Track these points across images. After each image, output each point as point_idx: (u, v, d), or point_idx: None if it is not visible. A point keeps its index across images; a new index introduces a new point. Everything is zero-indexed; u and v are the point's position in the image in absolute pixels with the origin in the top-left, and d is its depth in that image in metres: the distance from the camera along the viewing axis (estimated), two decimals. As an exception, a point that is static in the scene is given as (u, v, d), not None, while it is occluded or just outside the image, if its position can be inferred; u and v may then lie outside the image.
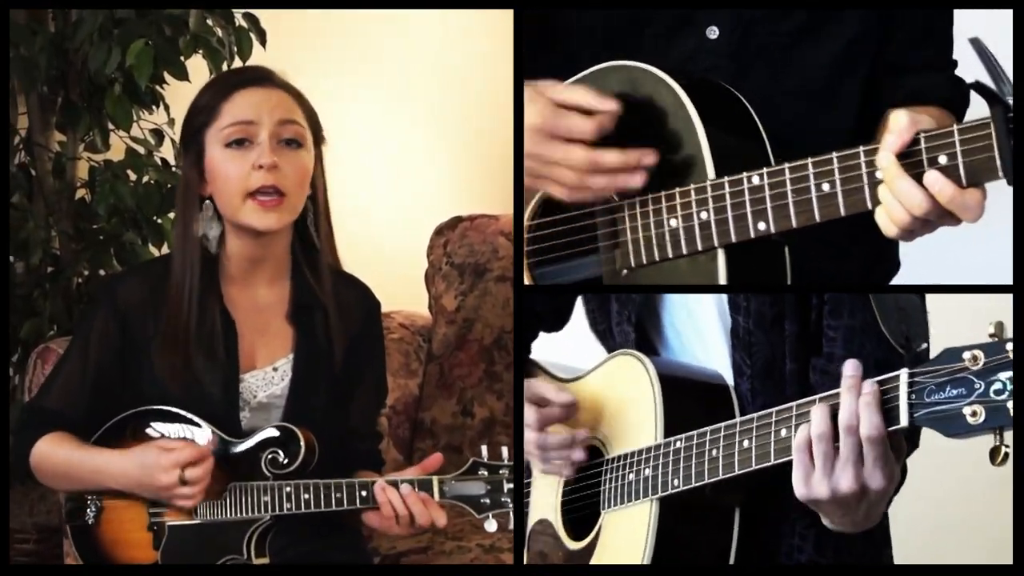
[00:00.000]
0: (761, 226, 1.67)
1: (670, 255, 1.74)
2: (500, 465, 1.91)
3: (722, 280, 1.71)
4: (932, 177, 1.53)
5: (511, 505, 1.90)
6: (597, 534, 1.84)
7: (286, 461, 2.00)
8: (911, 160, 1.55)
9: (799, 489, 1.51)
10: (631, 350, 1.83)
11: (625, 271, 1.78)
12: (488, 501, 1.91)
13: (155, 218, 3.03)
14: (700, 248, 1.71)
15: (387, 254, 3.42)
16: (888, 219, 1.58)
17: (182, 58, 2.90)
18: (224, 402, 2.05)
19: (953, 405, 1.38)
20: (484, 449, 1.92)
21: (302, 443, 2.00)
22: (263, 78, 2.06)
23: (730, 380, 1.77)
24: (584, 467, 1.86)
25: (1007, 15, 1.99)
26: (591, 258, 1.82)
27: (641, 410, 1.77)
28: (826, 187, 1.62)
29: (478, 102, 3.57)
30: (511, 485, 1.91)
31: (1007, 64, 1.51)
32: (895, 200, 1.56)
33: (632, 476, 1.74)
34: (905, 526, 1.70)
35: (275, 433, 2.02)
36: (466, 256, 3.12)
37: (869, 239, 1.62)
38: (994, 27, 1.92)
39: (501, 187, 3.15)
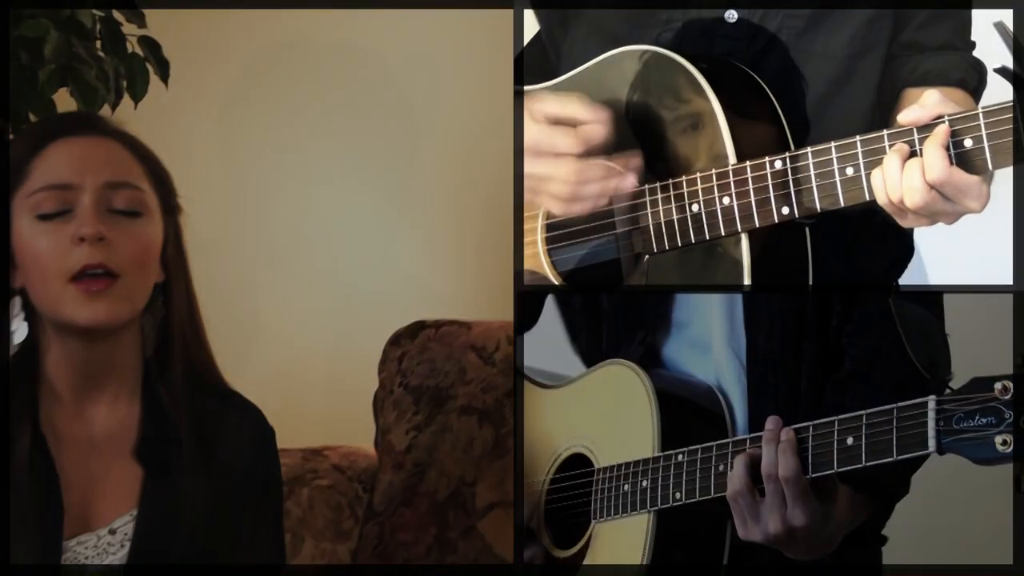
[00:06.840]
0: (785, 210, 1.76)
1: (693, 240, 1.82)
2: None
3: (746, 265, 1.80)
4: (929, 152, 1.63)
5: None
6: (587, 543, 1.88)
7: None
8: None
9: (740, 531, 1.69)
10: (624, 360, 1.89)
11: (647, 256, 1.86)
12: None
13: None
14: (723, 233, 1.80)
15: (329, 369, 2.99)
16: (886, 196, 1.68)
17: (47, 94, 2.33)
18: None
19: (983, 433, 1.50)
20: None
21: None
22: (88, 125, 1.77)
23: (739, 400, 1.85)
24: (570, 475, 1.92)
25: (1007, 15, 2.08)
26: (609, 242, 1.90)
27: (635, 422, 1.84)
28: (850, 171, 1.72)
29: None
30: None
31: (1007, 64, 1.61)
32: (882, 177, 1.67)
33: (627, 487, 1.84)
34: (905, 526, 1.83)
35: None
36: (425, 376, 2.56)
37: (882, 234, 1.74)
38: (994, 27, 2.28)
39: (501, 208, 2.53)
